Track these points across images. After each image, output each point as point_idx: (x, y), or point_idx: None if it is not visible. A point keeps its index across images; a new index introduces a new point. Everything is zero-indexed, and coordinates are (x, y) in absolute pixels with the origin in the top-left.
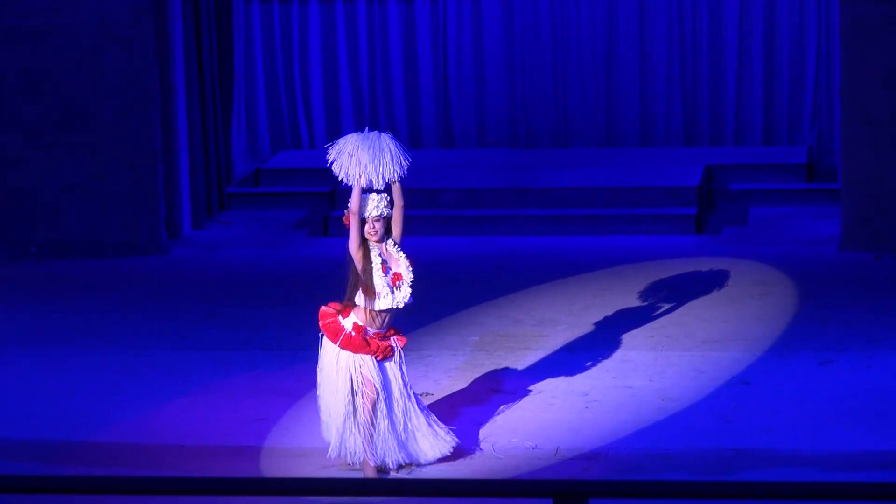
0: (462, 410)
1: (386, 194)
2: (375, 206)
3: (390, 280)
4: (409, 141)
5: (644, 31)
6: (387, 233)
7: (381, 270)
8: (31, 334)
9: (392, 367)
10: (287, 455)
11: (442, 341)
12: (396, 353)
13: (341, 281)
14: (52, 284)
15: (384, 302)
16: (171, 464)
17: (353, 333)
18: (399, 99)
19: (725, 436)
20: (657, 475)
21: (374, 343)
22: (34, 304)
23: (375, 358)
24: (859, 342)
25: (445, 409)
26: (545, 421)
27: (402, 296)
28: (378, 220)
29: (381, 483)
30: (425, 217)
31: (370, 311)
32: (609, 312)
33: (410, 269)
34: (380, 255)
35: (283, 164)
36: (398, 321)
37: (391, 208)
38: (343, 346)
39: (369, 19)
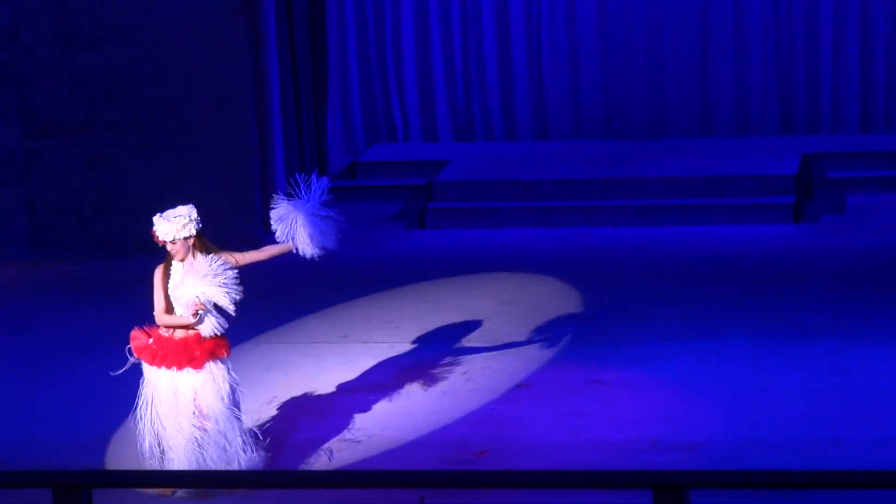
0: (558, 401)
1: (185, 218)
2: (172, 231)
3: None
4: (504, 132)
5: (738, 19)
6: (201, 250)
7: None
8: (122, 334)
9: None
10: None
11: (539, 332)
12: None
13: (439, 273)
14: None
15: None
16: None
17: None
18: (493, 91)
19: (824, 426)
20: (755, 465)
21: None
22: (121, 303)
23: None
24: None
25: (544, 399)
26: (642, 410)
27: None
28: (174, 243)
29: (454, 476)
30: (521, 209)
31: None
32: (705, 302)
33: (206, 282)
34: (180, 271)
35: (378, 157)
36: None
37: (195, 227)
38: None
39: (462, 10)
